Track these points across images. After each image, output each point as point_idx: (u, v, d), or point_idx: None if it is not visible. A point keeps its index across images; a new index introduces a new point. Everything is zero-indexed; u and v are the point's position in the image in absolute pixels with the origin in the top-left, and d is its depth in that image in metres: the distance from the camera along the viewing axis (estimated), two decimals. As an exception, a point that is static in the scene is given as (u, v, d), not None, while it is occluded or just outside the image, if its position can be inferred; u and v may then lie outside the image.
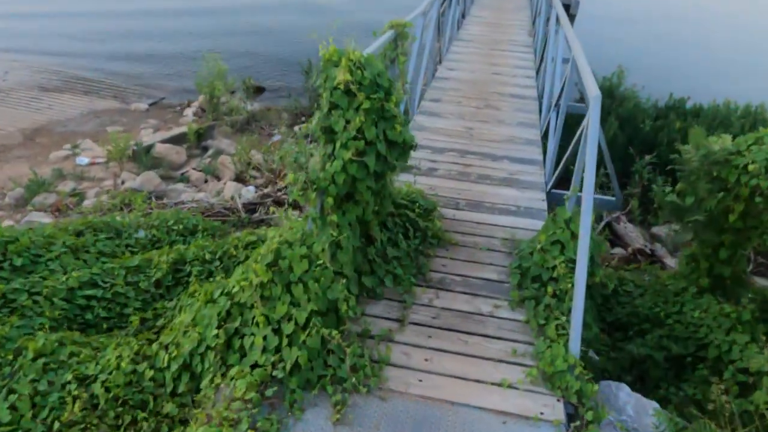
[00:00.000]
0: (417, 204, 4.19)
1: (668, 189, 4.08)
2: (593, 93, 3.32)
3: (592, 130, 3.24)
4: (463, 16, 11.84)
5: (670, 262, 5.93)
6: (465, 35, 10.19)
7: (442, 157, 5.36)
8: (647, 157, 7.09)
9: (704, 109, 8.69)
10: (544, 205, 4.63)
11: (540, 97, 7.32)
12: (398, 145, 3.34)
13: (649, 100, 9.26)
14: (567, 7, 17.38)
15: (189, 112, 9.39)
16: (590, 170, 3.16)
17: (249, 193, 6.52)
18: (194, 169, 7.14)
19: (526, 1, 14.04)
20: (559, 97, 5.33)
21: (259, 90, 11.06)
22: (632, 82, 10.05)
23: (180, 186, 6.62)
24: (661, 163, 7.39)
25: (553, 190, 4.96)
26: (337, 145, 3.14)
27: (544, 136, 6.15)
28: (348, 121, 3.15)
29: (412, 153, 3.57)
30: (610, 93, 9.19)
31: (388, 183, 3.66)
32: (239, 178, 6.94)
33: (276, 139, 8.58)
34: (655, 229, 6.98)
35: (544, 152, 5.71)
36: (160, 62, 12.12)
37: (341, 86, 3.11)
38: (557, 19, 6.76)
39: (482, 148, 5.61)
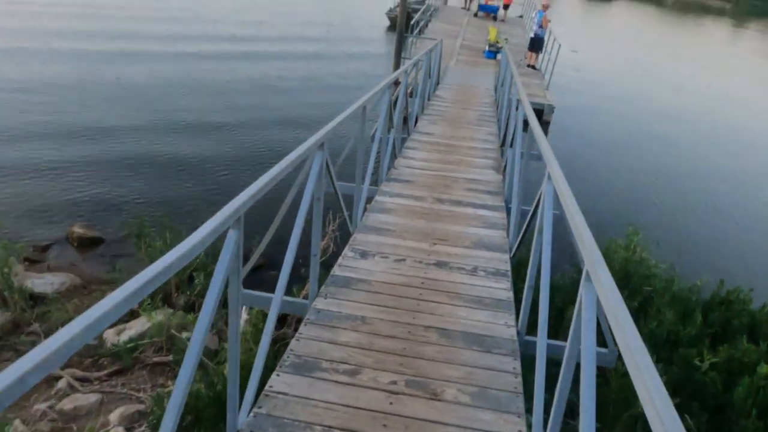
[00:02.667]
0: None
1: None
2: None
3: None
4: (408, 131, 8.61)
5: None
6: (403, 170, 6.83)
7: None
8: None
9: (782, 314, 5.31)
10: None
11: (522, 327, 3.76)
12: None
13: (678, 284, 5.83)
14: (540, 113, 14.36)
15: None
16: None
17: None
18: None
19: (492, 108, 10.99)
20: None
21: (91, 242, 7.12)
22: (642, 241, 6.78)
23: None
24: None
25: None
26: None
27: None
28: None
29: None
30: (626, 277, 5.79)
31: None
32: None
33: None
34: None
35: None
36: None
37: None
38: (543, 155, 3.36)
39: None
